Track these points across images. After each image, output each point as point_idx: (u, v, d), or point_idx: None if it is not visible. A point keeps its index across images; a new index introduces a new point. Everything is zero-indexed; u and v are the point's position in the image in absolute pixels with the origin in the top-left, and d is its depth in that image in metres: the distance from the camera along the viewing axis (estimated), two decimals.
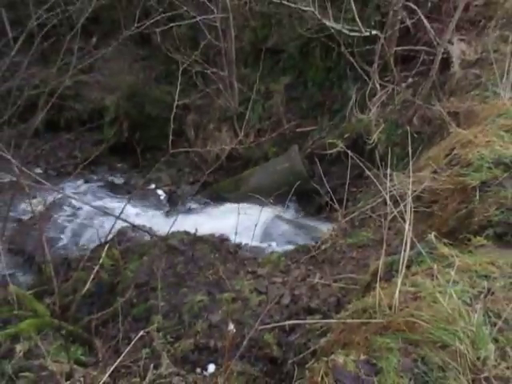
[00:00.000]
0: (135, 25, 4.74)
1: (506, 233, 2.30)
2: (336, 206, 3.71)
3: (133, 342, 1.58)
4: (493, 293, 1.74)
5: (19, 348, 2.15)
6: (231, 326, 2.20)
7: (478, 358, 1.47)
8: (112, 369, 1.48)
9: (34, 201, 3.73)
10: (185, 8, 5.83)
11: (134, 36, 6.42)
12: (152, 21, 4.90)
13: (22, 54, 5.14)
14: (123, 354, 1.62)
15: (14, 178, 3.93)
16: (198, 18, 5.63)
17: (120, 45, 6.36)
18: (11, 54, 5.02)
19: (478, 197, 2.57)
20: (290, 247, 4.28)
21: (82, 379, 1.89)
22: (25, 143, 4.49)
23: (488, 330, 1.56)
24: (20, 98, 4.96)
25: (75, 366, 1.98)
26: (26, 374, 2.01)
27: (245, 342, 1.79)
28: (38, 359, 2.08)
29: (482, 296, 1.71)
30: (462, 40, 4.84)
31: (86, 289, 3.20)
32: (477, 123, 3.35)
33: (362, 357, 1.61)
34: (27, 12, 6.44)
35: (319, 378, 1.56)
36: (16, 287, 2.82)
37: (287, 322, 2.58)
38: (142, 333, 1.66)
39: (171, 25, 5.76)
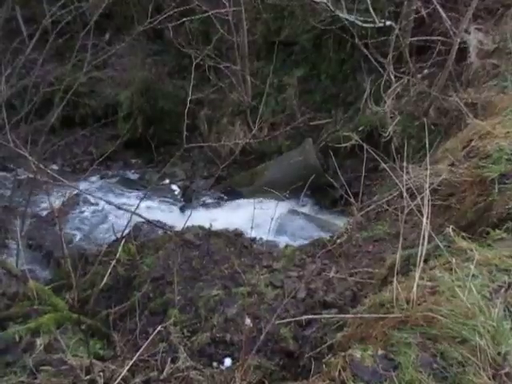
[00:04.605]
0: (148, 20, 4.74)
1: None
2: (351, 199, 3.68)
3: (151, 337, 1.59)
4: None
5: (39, 342, 2.19)
6: (248, 321, 2.20)
7: (499, 354, 1.45)
8: (131, 363, 1.50)
9: (52, 197, 3.79)
10: (196, 2, 5.81)
11: (147, 31, 6.43)
12: (164, 16, 4.89)
13: (37, 52, 5.18)
14: (141, 349, 1.63)
15: (32, 175, 3.98)
16: (210, 12, 5.61)
17: (133, 40, 6.38)
18: (26, 52, 5.06)
19: (496, 189, 2.53)
20: (305, 241, 4.27)
21: (101, 374, 1.92)
22: (41, 140, 4.54)
23: (509, 325, 1.54)
24: (36, 95, 5.01)
25: (94, 361, 2.01)
26: (47, 367, 2.05)
27: (262, 337, 1.79)
28: (58, 353, 2.12)
29: (503, 290, 1.69)
30: (479, 29, 4.74)
31: (103, 283, 3.24)
32: (495, 114, 3.29)
33: (380, 351, 1.60)
34: (41, 9, 6.50)
35: (336, 373, 1.56)
36: (35, 282, 2.86)
37: (304, 317, 2.57)
38: (159, 328, 1.67)
39: (183, 20, 5.75)
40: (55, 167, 6.73)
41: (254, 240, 4.31)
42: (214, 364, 2.69)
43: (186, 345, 2.65)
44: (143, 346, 1.65)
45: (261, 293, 3.24)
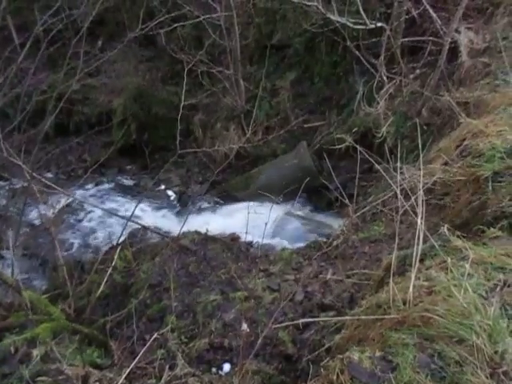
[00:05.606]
0: (139, 26, 4.74)
1: None
2: (346, 201, 3.68)
3: (147, 345, 1.58)
4: (509, 285, 1.71)
5: (36, 352, 2.17)
6: (244, 326, 2.19)
7: (496, 352, 1.45)
8: (128, 371, 1.49)
9: (46, 205, 3.77)
10: (188, 8, 5.82)
11: (139, 37, 6.43)
12: (156, 22, 4.89)
13: (29, 60, 5.17)
14: (138, 357, 1.62)
15: (26, 184, 3.96)
16: (202, 18, 5.61)
17: (125, 47, 6.37)
18: (18, 60, 5.05)
19: (490, 187, 2.54)
20: (302, 244, 4.27)
21: (97, 383, 1.90)
22: (35, 148, 4.51)
23: (505, 323, 1.54)
24: (28, 104, 4.99)
25: (91, 369, 1.99)
26: (43, 378, 2.04)
27: (259, 341, 1.78)
28: (55, 363, 2.10)
29: (498, 288, 1.69)
30: (469, 28, 4.77)
31: (100, 291, 3.23)
32: (487, 113, 3.31)
33: (378, 353, 1.60)
34: (33, 18, 6.49)
35: (334, 376, 1.55)
36: (31, 292, 2.84)
37: (301, 321, 2.57)
38: (155, 335, 1.66)
39: (175, 25, 5.76)
40: (50, 175, 6.70)
41: (250, 244, 4.30)
42: (213, 370, 2.68)
43: (184, 351, 2.64)
44: (140, 354, 1.64)
45: (258, 297, 3.23)
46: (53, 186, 4.01)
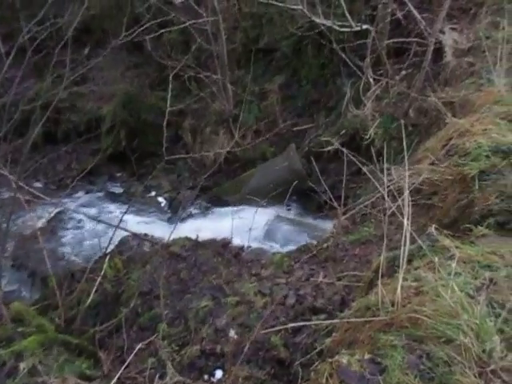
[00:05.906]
0: (125, 33, 4.71)
1: (507, 221, 2.28)
2: (334, 203, 3.68)
3: (133, 354, 1.56)
4: (495, 283, 1.72)
5: (23, 366, 2.14)
6: (232, 333, 2.17)
7: (484, 351, 1.45)
8: (114, 381, 1.47)
9: (34, 215, 3.74)
10: (173, 14, 5.81)
11: (126, 44, 6.41)
12: (142, 28, 4.87)
13: (15, 69, 5.13)
14: (123, 366, 1.60)
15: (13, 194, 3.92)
16: (188, 23, 5.61)
17: (112, 53, 6.34)
18: (3, 69, 5.00)
19: (477, 186, 2.55)
20: (293, 247, 4.26)
21: None
22: (22, 158, 4.47)
23: (492, 322, 1.54)
24: (15, 113, 4.94)
25: (78, 381, 1.96)
26: None
27: (247, 347, 1.77)
28: (43, 376, 2.07)
29: (485, 287, 1.69)
30: (453, 29, 4.81)
31: (89, 300, 3.20)
32: (473, 112, 3.33)
33: (367, 355, 1.59)
34: (18, 26, 6.45)
35: (324, 380, 1.54)
36: (19, 303, 2.80)
37: (290, 325, 2.56)
38: (140, 345, 1.64)
39: (162, 31, 5.75)
40: (39, 185, 6.64)
41: (241, 248, 4.29)
42: (205, 377, 2.66)
43: (175, 359, 2.61)
44: (126, 363, 1.62)
45: (250, 302, 3.22)
46: (41, 195, 3.98)
